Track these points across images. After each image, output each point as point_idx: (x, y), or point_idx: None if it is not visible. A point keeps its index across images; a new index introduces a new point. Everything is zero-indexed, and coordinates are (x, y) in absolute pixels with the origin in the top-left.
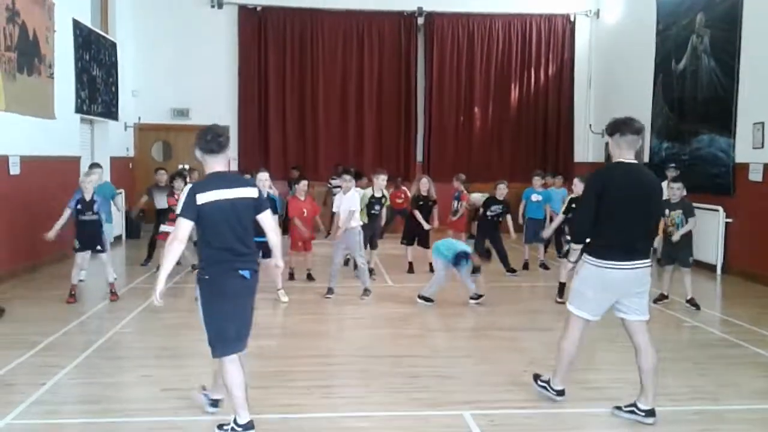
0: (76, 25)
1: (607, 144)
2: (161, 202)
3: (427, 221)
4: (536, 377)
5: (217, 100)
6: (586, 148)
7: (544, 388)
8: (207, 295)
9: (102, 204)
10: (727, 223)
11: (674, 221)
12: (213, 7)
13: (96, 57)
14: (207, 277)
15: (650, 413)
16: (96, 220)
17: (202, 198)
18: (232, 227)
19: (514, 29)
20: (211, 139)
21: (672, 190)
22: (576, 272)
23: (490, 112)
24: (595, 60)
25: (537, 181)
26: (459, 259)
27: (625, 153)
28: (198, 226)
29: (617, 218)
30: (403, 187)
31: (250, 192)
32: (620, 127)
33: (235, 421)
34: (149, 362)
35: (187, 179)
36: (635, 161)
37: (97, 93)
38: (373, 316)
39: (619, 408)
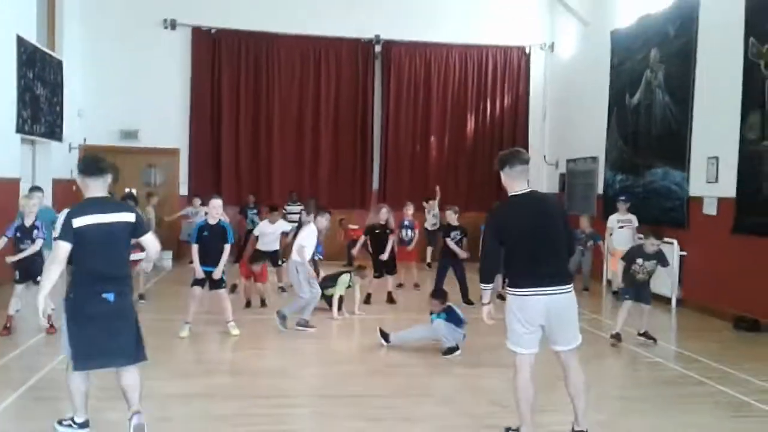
0: (20, 41)
1: (562, 175)
2: None
3: (382, 251)
4: (507, 430)
5: (167, 122)
6: (541, 178)
7: None
8: (70, 314)
9: (44, 230)
10: (681, 256)
11: (649, 271)
12: (166, 28)
13: (40, 75)
14: (71, 296)
15: None
16: (36, 249)
17: (78, 222)
18: (104, 251)
19: (470, 60)
20: (91, 164)
21: (649, 246)
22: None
23: (446, 141)
24: (550, 92)
25: None
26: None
27: (516, 184)
28: (72, 248)
29: (523, 249)
30: (351, 227)
31: (127, 216)
32: (508, 159)
33: (73, 419)
34: (88, 403)
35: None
36: (527, 189)
37: (41, 113)
38: (328, 350)
39: None
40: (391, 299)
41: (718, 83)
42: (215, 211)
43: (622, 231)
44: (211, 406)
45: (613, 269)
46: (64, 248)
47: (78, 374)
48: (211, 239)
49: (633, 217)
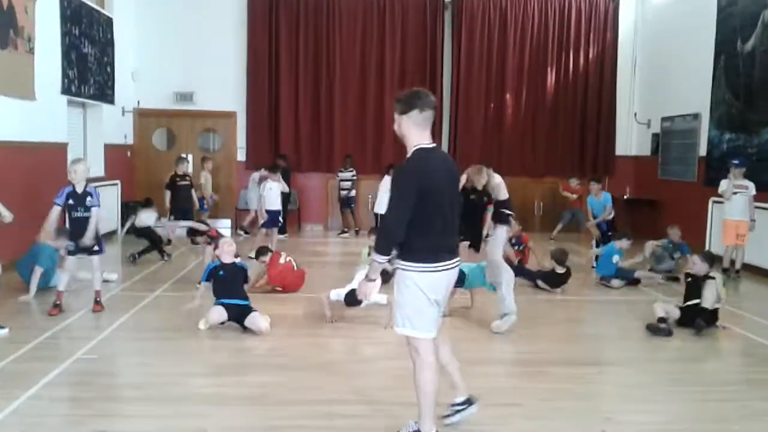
0: None
1: (655, 135)
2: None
3: (480, 221)
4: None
5: (223, 84)
6: (630, 139)
7: None
8: None
9: (98, 198)
10: None
11: None
12: None
13: (88, 33)
14: None
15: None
16: (90, 218)
17: None
18: None
19: (551, 8)
20: None
21: None
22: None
23: (524, 99)
24: (642, 41)
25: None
26: None
27: (424, 134)
28: None
29: (437, 215)
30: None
31: None
32: (416, 101)
33: None
34: (110, 408)
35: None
36: (432, 143)
37: (89, 73)
38: (390, 340)
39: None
40: None
41: None
42: (227, 249)
43: (735, 198)
44: (256, 414)
45: (725, 244)
46: None
47: None
48: (227, 279)
49: (750, 184)
